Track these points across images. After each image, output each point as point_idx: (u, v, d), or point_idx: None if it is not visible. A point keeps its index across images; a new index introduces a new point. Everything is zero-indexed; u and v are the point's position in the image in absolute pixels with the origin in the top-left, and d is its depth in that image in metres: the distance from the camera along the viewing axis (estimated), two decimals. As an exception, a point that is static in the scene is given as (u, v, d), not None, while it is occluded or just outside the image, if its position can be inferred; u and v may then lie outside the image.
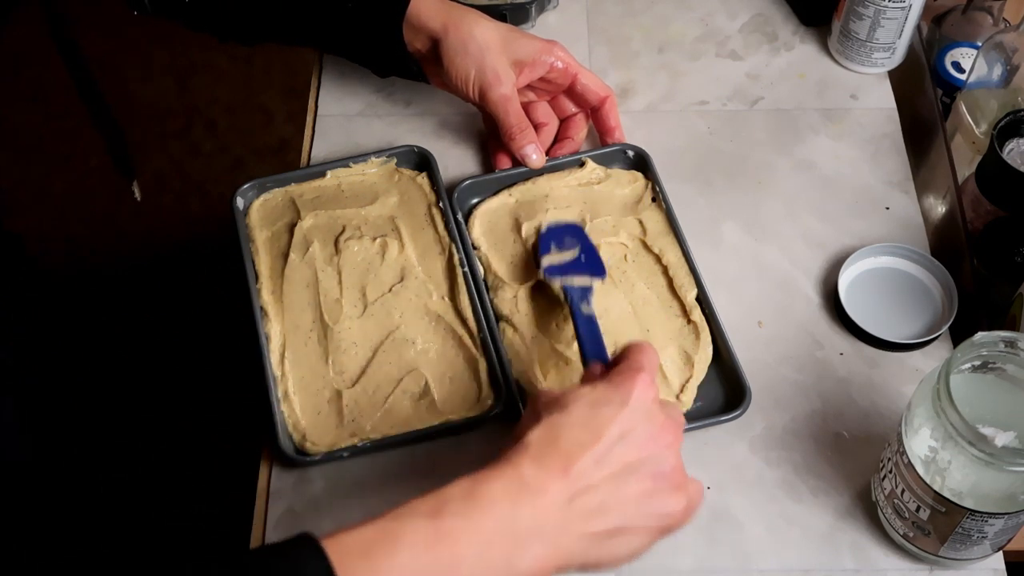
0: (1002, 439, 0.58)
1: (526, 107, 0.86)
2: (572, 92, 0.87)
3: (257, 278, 0.80)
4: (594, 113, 0.88)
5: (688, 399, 0.74)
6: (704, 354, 0.76)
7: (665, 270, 0.80)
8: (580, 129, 0.89)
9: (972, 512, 0.60)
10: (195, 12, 0.86)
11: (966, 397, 0.58)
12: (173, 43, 2.05)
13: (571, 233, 0.80)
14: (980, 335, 0.60)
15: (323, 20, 0.85)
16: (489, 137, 0.89)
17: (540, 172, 0.85)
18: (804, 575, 0.69)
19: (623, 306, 0.78)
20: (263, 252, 0.82)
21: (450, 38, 0.81)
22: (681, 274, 0.80)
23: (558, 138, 0.89)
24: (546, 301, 0.79)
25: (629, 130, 0.89)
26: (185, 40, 2.01)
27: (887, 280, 0.81)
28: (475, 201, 0.85)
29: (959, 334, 0.77)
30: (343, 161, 0.86)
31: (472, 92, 0.83)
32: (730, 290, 0.81)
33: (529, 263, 0.80)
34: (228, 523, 0.87)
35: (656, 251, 0.81)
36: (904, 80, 0.95)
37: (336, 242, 0.82)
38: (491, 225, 0.84)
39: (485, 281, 0.80)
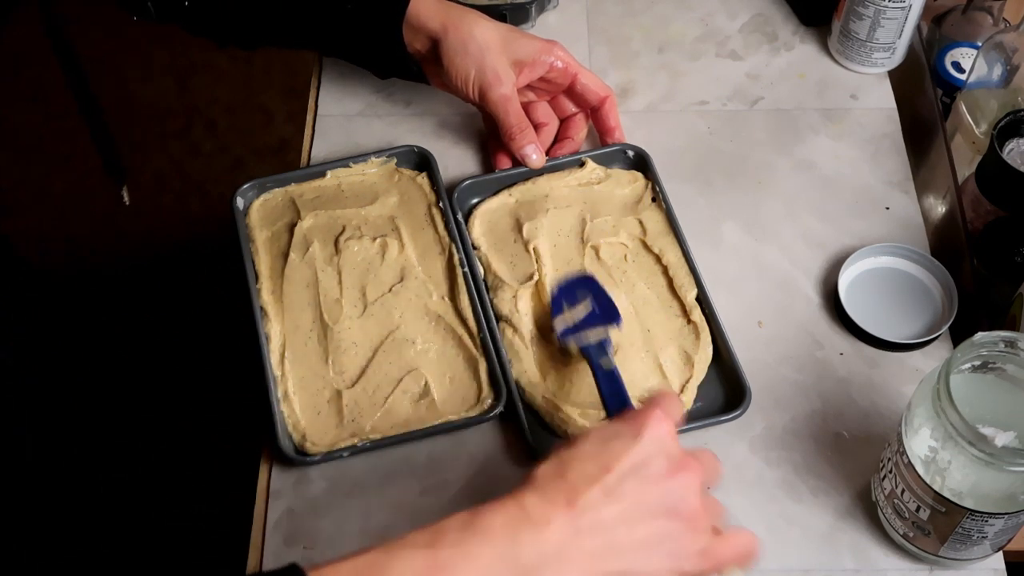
0: (1002, 439, 0.58)
1: (526, 107, 0.86)
2: (572, 92, 0.87)
3: (257, 278, 0.80)
4: (594, 113, 0.88)
5: (688, 399, 0.74)
6: (704, 354, 0.76)
7: (665, 270, 0.80)
8: (580, 129, 0.89)
9: (972, 512, 0.60)
10: (195, 17, 0.86)
11: (966, 397, 0.57)
12: (173, 43, 2.04)
13: (580, 285, 0.77)
14: (980, 335, 0.60)
15: (323, 23, 0.85)
16: (489, 137, 0.89)
17: (540, 172, 0.85)
18: (804, 575, 0.69)
19: (623, 306, 0.78)
20: (263, 252, 0.82)
21: (450, 38, 0.81)
22: (681, 274, 0.80)
23: (558, 138, 0.89)
24: (546, 302, 0.79)
25: (629, 130, 0.89)
26: (185, 40, 1.99)
27: (887, 280, 0.81)
28: (475, 201, 0.85)
29: (959, 334, 0.77)
30: (343, 161, 0.86)
31: (472, 92, 0.83)
32: (730, 290, 0.81)
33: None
34: (228, 523, 0.87)
35: (656, 251, 0.81)
36: (904, 80, 0.95)
37: (336, 242, 0.82)
38: (491, 225, 0.83)
39: (485, 281, 0.80)
